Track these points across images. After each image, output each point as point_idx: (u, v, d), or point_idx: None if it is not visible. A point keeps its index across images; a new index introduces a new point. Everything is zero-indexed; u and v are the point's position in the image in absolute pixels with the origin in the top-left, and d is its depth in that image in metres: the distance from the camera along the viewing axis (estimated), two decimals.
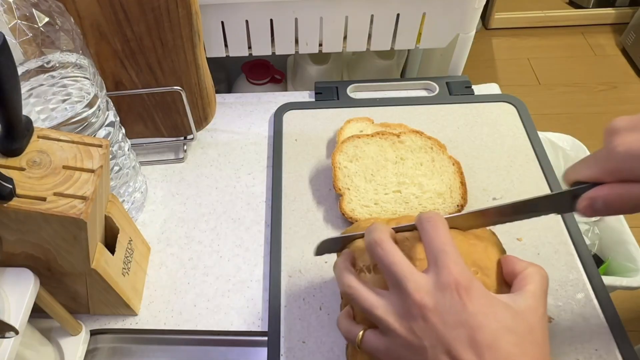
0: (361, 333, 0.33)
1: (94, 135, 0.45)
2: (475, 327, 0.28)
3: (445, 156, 0.55)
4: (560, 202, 0.32)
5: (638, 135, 0.29)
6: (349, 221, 0.52)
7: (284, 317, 0.47)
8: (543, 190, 0.55)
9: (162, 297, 0.50)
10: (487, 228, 0.38)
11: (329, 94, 0.68)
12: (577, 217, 0.56)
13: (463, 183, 0.53)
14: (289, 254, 0.51)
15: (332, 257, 0.51)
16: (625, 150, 0.29)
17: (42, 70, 0.40)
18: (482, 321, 0.28)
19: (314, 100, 0.68)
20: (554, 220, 0.53)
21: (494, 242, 0.38)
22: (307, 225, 0.54)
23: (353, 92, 0.69)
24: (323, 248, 0.41)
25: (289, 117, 0.65)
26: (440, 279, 0.29)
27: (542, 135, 0.63)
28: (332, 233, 0.53)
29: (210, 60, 0.58)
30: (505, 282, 0.34)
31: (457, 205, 0.52)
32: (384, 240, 0.32)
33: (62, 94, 0.42)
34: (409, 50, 0.94)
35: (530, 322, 0.29)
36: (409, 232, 0.36)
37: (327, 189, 0.57)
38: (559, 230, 0.52)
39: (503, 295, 0.31)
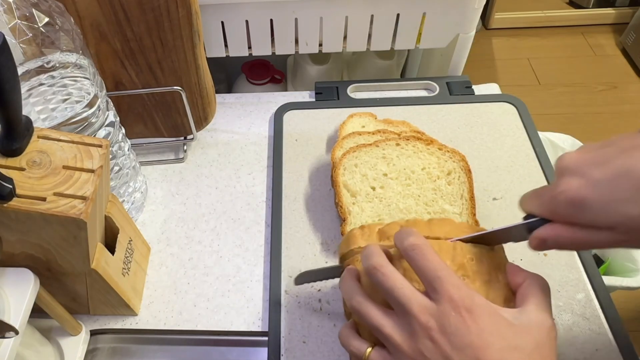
0: (368, 350, 0.33)
1: (94, 135, 0.45)
2: (481, 348, 0.28)
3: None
4: (517, 234, 0.33)
5: (581, 181, 0.29)
6: None
7: (284, 317, 0.47)
8: None
9: (162, 297, 0.50)
10: None
11: (329, 94, 0.68)
12: None
13: None
14: (289, 254, 0.51)
15: (331, 257, 0.51)
16: (567, 200, 0.29)
17: (42, 70, 0.40)
18: (488, 340, 0.29)
19: (314, 100, 0.68)
20: None
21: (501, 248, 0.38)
22: (307, 225, 0.54)
23: (353, 92, 0.69)
24: (303, 279, 0.45)
25: (289, 117, 0.65)
26: (440, 306, 0.30)
27: (542, 135, 0.63)
28: (332, 233, 0.53)
29: (210, 60, 0.58)
30: (512, 291, 0.34)
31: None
32: (383, 265, 0.33)
33: (62, 94, 0.42)
34: (409, 50, 0.94)
35: (536, 338, 0.29)
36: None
37: (327, 189, 0.57)
38: None
39: (507, 310, 0.31)
